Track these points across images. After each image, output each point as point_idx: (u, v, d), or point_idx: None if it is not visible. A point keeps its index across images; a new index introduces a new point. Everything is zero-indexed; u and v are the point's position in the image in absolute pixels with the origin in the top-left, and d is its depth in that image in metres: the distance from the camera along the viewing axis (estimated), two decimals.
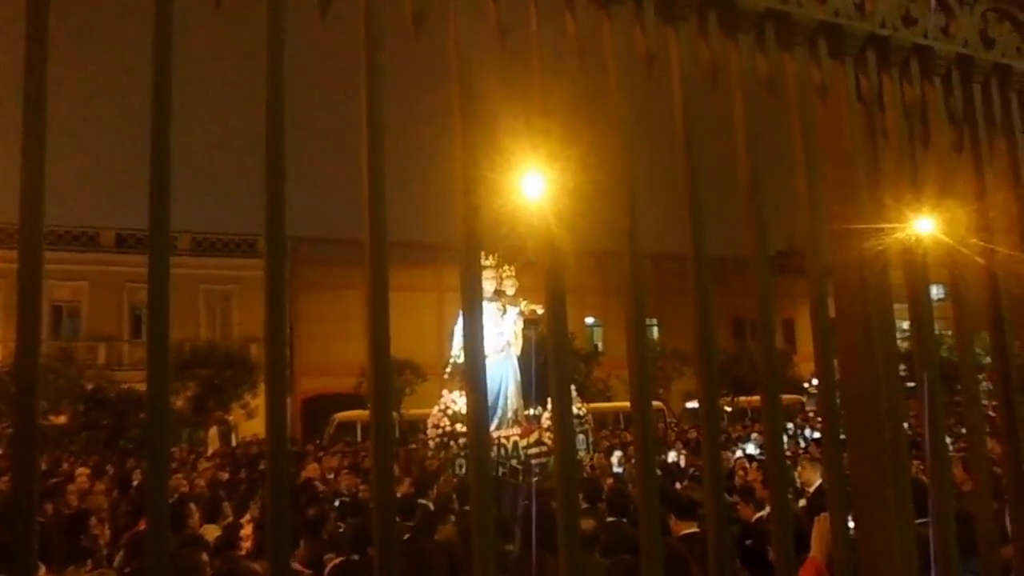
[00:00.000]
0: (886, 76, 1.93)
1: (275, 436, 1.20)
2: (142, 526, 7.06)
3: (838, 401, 1.85)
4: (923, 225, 1.97)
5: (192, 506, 8.11)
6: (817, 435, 19.34)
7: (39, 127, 1.16)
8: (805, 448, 15.38)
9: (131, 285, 33.32)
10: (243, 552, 6.38)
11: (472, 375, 1.35)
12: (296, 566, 5.53)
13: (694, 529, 6.11)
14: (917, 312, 1.93)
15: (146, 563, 1.11)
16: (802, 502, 7.40)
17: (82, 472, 14.54)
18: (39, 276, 1.08)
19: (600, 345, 38.61)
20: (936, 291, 2.03)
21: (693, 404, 32.15)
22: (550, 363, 1.45)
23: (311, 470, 14.01)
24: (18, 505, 1.03)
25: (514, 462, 12.45)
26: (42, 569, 5.47)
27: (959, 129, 2.03)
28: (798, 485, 8.23)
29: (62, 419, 25.35)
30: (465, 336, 1.39)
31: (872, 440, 1.85)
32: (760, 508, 7.23)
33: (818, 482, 7.79)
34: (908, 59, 1.94)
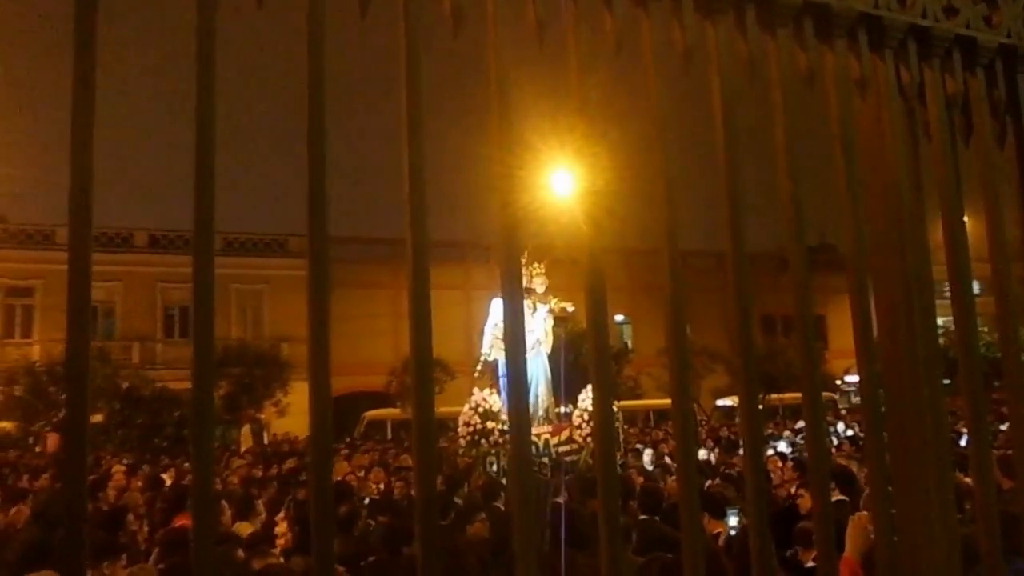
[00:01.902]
0: (927, 68, 1.90)
1: (319, 437, 1.21)
2: (176, 523, 7.17)
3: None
4: (964, 219, 1.95)
5: (224, 503, 8.20)
6: (850, 432, 19.14)
7: (86, 134, 1.17)
8: (838, 445, 15.23)
9: (163, 285, 33.84)
10: (277, 549, 6.45)
11: (513, 374, 1.35)
12: None
13: (720, 529, 6.10)
14: (959, 307, 1.90)
15: (194, 560, 1.12)
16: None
17: (118, 469, 14.74)
18: (87, 280, 1.09)
19: (630, 343, 38.50)
20: (974, 287, 2.00)
21: (724, 401, 31.98)
22: (591, 366, 1.44)
23: (340, 469, 14.08)
24: (69, 503, 1.05)
25: (545, 460, 12.46)
26: None
27: (1002, 121, 2.00)
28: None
29: (98, 417, 25.76)
30: (506, 335, 1.39)
31: (914, 437, 1.83)
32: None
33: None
34: (950, 50, 1.91)
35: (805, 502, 7.19)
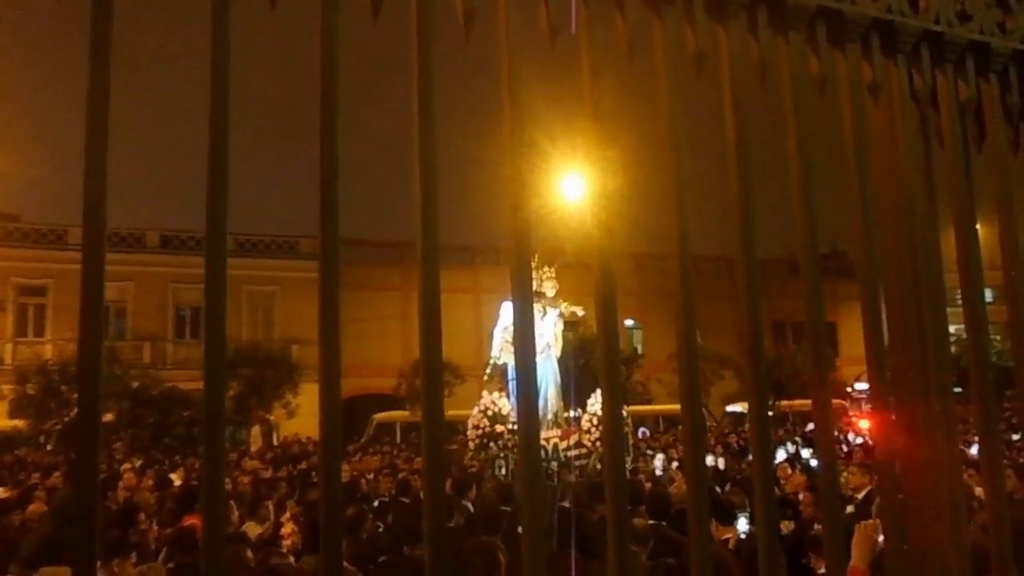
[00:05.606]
0: (940, 73, 1.89)
1: (329, 439, 1.21)
2: (185, 522, 7.19)
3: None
4: (976, 227, 1.93)
5: (233, 503, 8.24)
6: (860, 440, 19.04)
7: (101, 136, 1.18)
8: (848, 453, 15.16)
9: (175, 285, 33.97)
10: (284, 550, 6.46)
11: (523, 378, 1.35)
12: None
13: (729, 535, 6.07)
14: (971, 315, 1.88)
15: (203, 560, 1.13)
16: (850, 508, 7.27)
17: (127, 468, 14.83)
18: (101, 281, 1.10)
19: (639, 348, 38.43)
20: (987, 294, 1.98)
21: (733, 407, 31.87)
22: (600, 371, 1.44)
23: (345, 471, 14.07)
24: (80, 501, 1.05)
25: (554, 464, 12.47)
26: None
27: (1016, 127, 1.98)
28: (847, 492, 8.07)
29: (109, 417, 25.86)
30: (516, 339, 1.39)
31: (924, 445, 1.82)
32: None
33: (867, 488, 7.66)
34: (963, 56, 1.90)
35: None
